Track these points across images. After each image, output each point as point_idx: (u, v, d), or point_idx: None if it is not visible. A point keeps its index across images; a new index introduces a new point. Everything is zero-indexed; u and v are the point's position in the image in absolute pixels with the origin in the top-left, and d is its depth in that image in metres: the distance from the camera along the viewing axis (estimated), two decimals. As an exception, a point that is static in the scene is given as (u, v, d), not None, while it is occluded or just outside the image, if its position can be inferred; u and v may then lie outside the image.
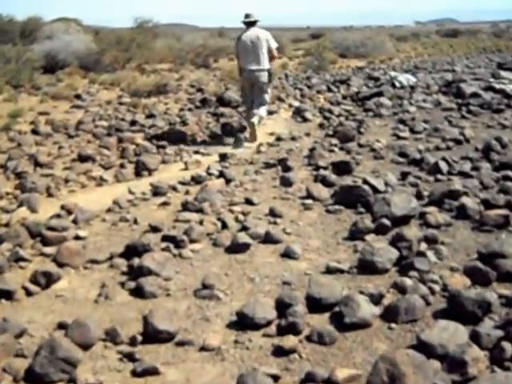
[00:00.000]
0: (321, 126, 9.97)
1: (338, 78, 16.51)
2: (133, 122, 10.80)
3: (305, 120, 10.63)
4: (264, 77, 9.02)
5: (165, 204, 6.13)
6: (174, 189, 6.67)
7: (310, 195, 6.06)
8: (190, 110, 12.38)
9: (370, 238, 4.85)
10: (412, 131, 8.86)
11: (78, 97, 15.05)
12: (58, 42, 22.61)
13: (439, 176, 6.44)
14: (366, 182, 5.88)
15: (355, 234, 4.88)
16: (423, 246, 4.48)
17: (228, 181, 6.78)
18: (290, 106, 12.39)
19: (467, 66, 18.39)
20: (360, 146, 8.18)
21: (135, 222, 5.59)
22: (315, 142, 8.74)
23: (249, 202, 6.02)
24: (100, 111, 12.78)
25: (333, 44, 28.49)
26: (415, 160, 7.08)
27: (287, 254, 4.63)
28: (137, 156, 8.29)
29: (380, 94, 12.01)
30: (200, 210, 5.77)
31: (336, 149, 8.10)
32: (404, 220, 5.05)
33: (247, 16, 9.16)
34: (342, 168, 6.87)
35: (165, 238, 4.93)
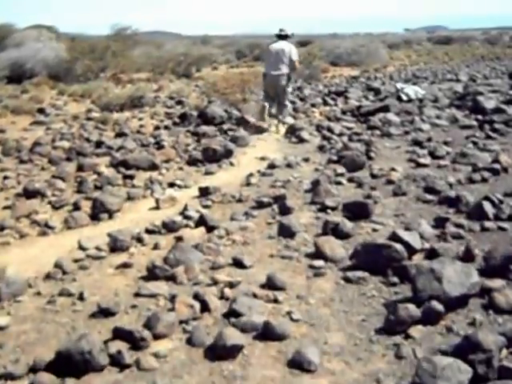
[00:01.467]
0: (321, 148, 8.53)
1: (334, 89, 15.13)
2: (99, 144, 9.31)
3: (301, 140, 9.19)
4: (283, 80, 10.47)
5: (125, 266, 4.63)
6: (140, 240, 5.18)
7: (319, 253, 4.59)
8: (166, 127, 10.90)
9: (416, 331, 3.39)
10: (433, 156, 7.45)
11: (41, 111, 13.51)
12: (26, 50, 21.03)
13: (486, 223, 5.00)
14: (396, 237, 4.42)
15: (394, 325, 3.42)
16: (504, 353, 3.03)
17: (210, 229, 5.30)
18: (282, 122, 10.93)
19: (473, 76, 17.12)
20: (373, 176, 6.75)
21: (81, 297, 4.09)
22: (316, 170, 7.31)
23: (238, 263, 4.54)
24: (63, 129, 11.27)
25: (323, 52, 27.24)
26: (449, 198, 5.64)
27: (298, 364, 3.15)
28: (97, 190, 6.80)
29: (385, 109, 10.62)
30: (171, 278, 4.29)
31: (344, 180, 6.66)
32: (461, 302, 3.60)
33: (280, 30, 10.75)
34: (356, 211, 5.42)
35: (117, 334, 3.43)
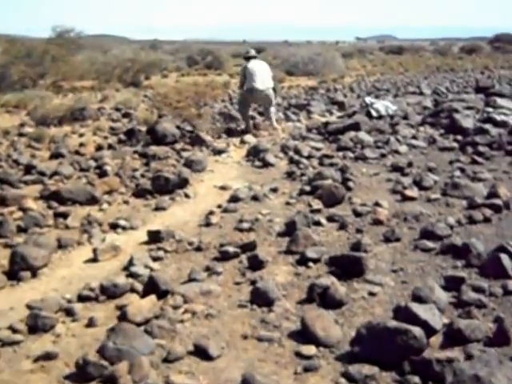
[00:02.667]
0: (289, 174, 7.47)
1: (294, 102, 14.14)
2: (28, 168, 7.99)
3: (265, 164, 8.11)
4: (271, 94, 10.84)
5: (47, 358, 3.43)
6: (69, 313, 3.98)
7: (308, 334, 3.51)
8: (110, 147, 9.63)
9: None
10: (419, 186, 6.49)
11: (-34, 125, 12.03)
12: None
13: (509, 283, 4.02)
14: (409, 314, 3.38)
15: None
16: None
17: (163, 294, 4.15)
18: (243, 142, 9.85)
19: (436, 89, 16.45)
20: (356, 214, 5.71)
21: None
22: (288, 204, 6.25)
23: (201, 351, 3.40)
24: (-11, 147, 9.87)
25: (278, 60, 26.37)
26: (454, 247, 4.65)
27: None
28: (21, 233, 5.54)
29: (356, 127, 9.67)
30: (110, 380, 3.13)
31: (323, 219, 5.60)
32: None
33: (248, 52, 11.36)
34: (347, 267, 4.37)
35: None
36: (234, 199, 6.47)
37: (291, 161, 8.23)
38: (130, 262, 4.72)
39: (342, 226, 5.39)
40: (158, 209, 6.33)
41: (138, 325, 3.73)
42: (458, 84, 18.96)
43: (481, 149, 7.97)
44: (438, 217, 5.55)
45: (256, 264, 4.58)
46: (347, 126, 9.76)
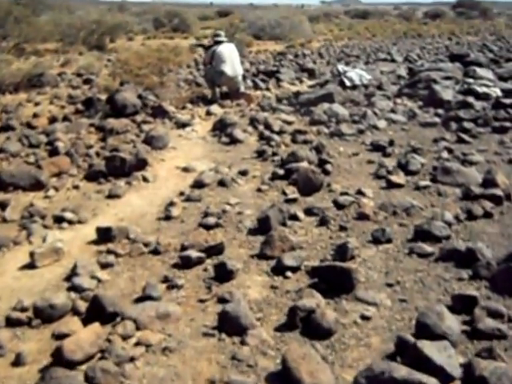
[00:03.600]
0: (260, 154, 6.53)
1: (263, 68, 13.07)
2: (-31, 144, 6.89)
3: (233, 141, 7.15)
4: (241, 81, 10.02)
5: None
6: (-9, 348, 3.05)
7: (292, 380, 2.67)
8: (66, 118, 8.49)
9: None
10: (405, 171, 5.63)
11: None
12: None
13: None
14: (422, 359, 2.56)
15: None
16: None
17: (109, 318, 3.24)
18: (208, 113, 8.83)
19: (408, 56, 15.55)
20: (338, 205, 4.83)
21: None
22: (259, 192, 5.34)
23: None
24: None
25: (245, 23, 25.06)
26: (457, 253, 3.83)
27: None
28: None
29: (329, 98, 8.73)
30: None
31: (300, 213, 4.71)
32: None
33: (218, 35, 10.20)
34: (334, 281, 3.51)
35: None
36: (199, 185, 5.53)
37: (261, 137, 7.29)
38: (74, 271, 3.78)
39: (323, 222, 4.52)
40: (111, 196, 5.35)
41: (78, 363, 2.84)
42: (429, 51, 18.08)
43: (466, 125, 7.15)
44: (430, 209, 4.72)
45: (224, 274, 3.69)
46: (320, 97, 8.82)
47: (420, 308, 3.28)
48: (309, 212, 4.72)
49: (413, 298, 3.41)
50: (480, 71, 9.56)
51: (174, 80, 10.88)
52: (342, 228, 4.39)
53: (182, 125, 8.08)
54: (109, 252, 4.10)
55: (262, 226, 4.38)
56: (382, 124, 7.52)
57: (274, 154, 6.46)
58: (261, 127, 7.72)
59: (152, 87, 9.17)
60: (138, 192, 5.53)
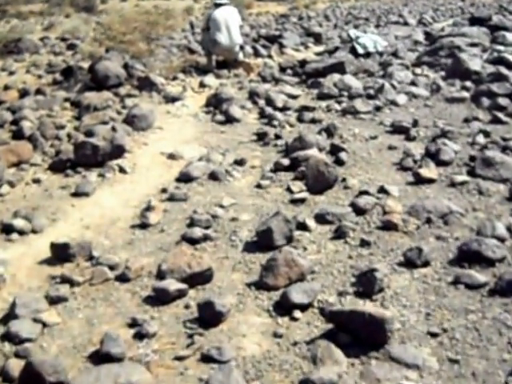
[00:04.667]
0: (260, 137, 5.55)
1: (264, 33, 11.93)
2: None
3: (229, 120, 6.17)
4: (238, 51, 8.83)
5: None
6: None
7: None
8: (39, 91, 7.47)
9: None
10: (436, 160, 4.64)
11: None
12: None
13: None
14: None
15: None
16: None
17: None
18: (202, 85, 7.80)
19: (422, 18, 14.38)
20: (357, 210, 3.87)
21: None
22: (259, 188, 4.40)
23: None
24: None
25: (246, -17, 23.65)
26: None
27: None
28: None
29: (340, 68, 7.70)
30: None
31: (310, 220, 3.76)
32: None
33: None
34: (360, 331, 2.59)
35: None
36: (185, 178, 4.59)
37: (262, 115, 6.31)
38: (12, 311, 2.87)
39: (339, 233, 3.58)
40: (78, 194, 4.40)
41: None
42: (443, 13, 16.86)
43: (501, 101, 6.14)
44: (472, 215, 3.78)
45: (211, 316, 2.78)
46: (329, 67, 7.78)
47: (479, 375, 2.38)
48: (321, 219, 3.77)
49: (467, 357, 2.50)
50: (510, 37, 8.48)
51: (164, 46, 9.83)
52: (364, 243, 3.45)
53: (172, 99, 7.08)
54: (63, 280, 3.18)
55: (263, 241, 3.45)
56: (401, 99, 6.50)
57: (277, 136, 5.48)
58: (261, 102, 6.73)
59: (139, 55, 8.12)
60: (112, 187, 4.58)
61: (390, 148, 5.09)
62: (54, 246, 3.42)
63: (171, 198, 4.24)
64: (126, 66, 8.18)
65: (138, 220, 3.93)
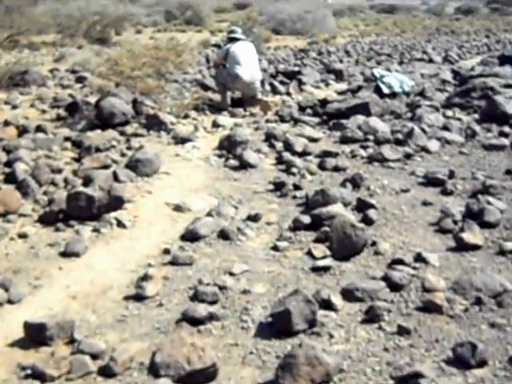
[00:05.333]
0: (278, 186, 5.04)
1: (283, 68, 11.57)
2: None
3: (243, 165, 5.68)
4: (258, 87, 8.57)
5: None
6: None
7: None
8: (39, 129, 7.07)
9: None
10: (478, 220, 4.09)
11: None
12: None
13: None
14: None
15: None
16: None
17: None
18: (215, 124, 7.37)
19: (448, 55, 13.97)
20: (391, 284, 3.31)
21: None
22: (275, 251, 3.88)
23: None
24: None
25: (264, 17, 23.58)
26: None
27: None
28: None
29: (364, 109, 7.24)
30: None
31: (336, 297, 3.21)
32: None
33: (233, 32, 8.80)
34: None
35: None
36: (192, 236, 4.07)
37: (279, 160, 5.82)
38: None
39: (372, 315, 3.03)
40: (67, 254, 3.90)
41: None
42: (469, 50, 16.46)
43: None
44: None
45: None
46: (352, 107, 7.33)
47: None
48: (349, 295, 3.22)
49: None
50: (548, 77, 8.00)
51: (177, 81, 9.47)
52: (403, 330, 2.89)
53: (182, 140, 6.63)
54: (34, 373, 2.64)
55: (280, 325, 2.91)
56: (433, 145, 5.99)
57: (297, 187, 4.97)
58: (279, 146, 6.26)
59: (148, 92, 7.71)
60: (108, 245, 4.07)
61: (425, 204, 4.55)
62: (29, 326, 2.90)
63: (174, 262, 3.72)
64: (134, 102, 7.80)
65: (133, 289, 3.40)
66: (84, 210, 4.36)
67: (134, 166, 5.39)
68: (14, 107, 8.89)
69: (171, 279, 3.53)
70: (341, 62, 13.48)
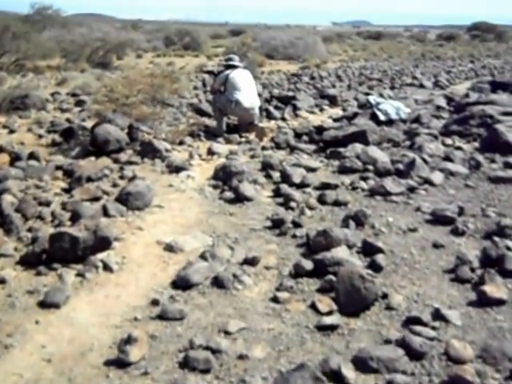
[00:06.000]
0: (276, 224, 4.43)
1: (277, 93, 11.02)
2: None
3: (240, 198, 5.08)
4: (257, 113, 7.97)
5: None
6: None
7: None
8: (32, 156, 6.47)
9: None
10: (497, 267, 3.49)
11: None
12: None
13: None
14: None
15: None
16: None
17: None
18: (211, 151, 6.78)
19: (437, 81, 13.47)
20: (410, 352, 2.70)
21: None
22: (275, 303, 3.28)
23: None
24: None
25: (258, 42, 23.15)
26: None
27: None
28: None
29: (361, 137, 6.68)
30: None
31: (347, 369, 2.60)
32: None
33: (231, 59, 8.19)
34: None
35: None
36: (183, 284, 3.47)
37: (277, 192, 5.22)
38: None
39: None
40: (46, 305, 3.28)
41: None
42: (457, 75, 15.99)
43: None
44: None
45: None
46: (350, 135, 6.77)
47: None
48: (362, 366, 2.62)
49: None
50: (544, 105, 7.45)
51: (172, 105, 8.89)
52: (430, 415, 2.28)
53: (176, 168, 6.03)
54: None
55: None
56: (437, 178, 5.41)
57: (296, 224, 4.37)
58: (276, 176, 5.67)
59: (142, 118, 7.12)
60: (92, 293, 3.46)
61: (436, 246, 3.95)
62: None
63: (163, 316, 3.11)
64: (130, 128, 7.22)
65: (116, 351, 2.78)
66: (68, 251, 3.75)
67: (124, 199, 4.78)
68: (12, 131, 8.31)
69: (159, 338, 2.92)
70: (333, 86, 12.95)
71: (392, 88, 12.62)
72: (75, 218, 4.40)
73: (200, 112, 9.06)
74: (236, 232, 4.36)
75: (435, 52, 28.78)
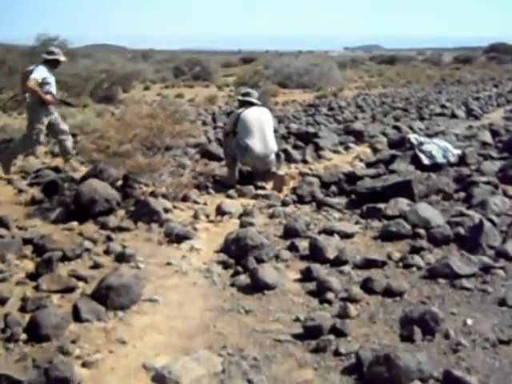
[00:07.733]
0: (310, 332, 3.17)
1: (295, 128, 9.85)
2: None
3: (258, 287, 3.83)
4: (273, 159, 6.74)
5: None
6: None
7: None
8: (0, 223, 5.29)
9: None
10: None
11: None
12: None
13: None
14: None
15: None
16: None
17: None
18: (221, 211, 5.56)
19: (471, 110, 12.23)
20: None
21: None
22: None
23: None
24: None
25: (270, 70, 22.18)
26: None
27: None
28: None
29: (405, 188, 5.43)
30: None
31: None
32: None
33: (248, 94, 6.84)
34: None
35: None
36: None
37: (307, 275, 3.97)
38: None
39: None
40: None
41: None
42: (487, 101, 14.76)
43: None
44: None
45: None
46: (391, 187, 5.51)
47: None
48: None
49: None
50: None
51: (178, 147, 7.72)
52: None
53: (177, 237, 4.82)
54: None
55: None
56: (514, 248, 4.13)
57: (338, 332, 3.11)
58: (303, 245, 4.44)
59: (137, 171, 5.95)
60: None
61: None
62: None
63: None
64: (126, 179, 6.06)
65: None
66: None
67: (104, 295, 3.56)
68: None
69: None
70: (356, 118, 11.77)
71: (421, 119, 11.41)
72: (33, 329, 3.18)
73: (209, 155, 7.91)
74: (255, 346, 3.11)
75: (453, 76, 27.66)
